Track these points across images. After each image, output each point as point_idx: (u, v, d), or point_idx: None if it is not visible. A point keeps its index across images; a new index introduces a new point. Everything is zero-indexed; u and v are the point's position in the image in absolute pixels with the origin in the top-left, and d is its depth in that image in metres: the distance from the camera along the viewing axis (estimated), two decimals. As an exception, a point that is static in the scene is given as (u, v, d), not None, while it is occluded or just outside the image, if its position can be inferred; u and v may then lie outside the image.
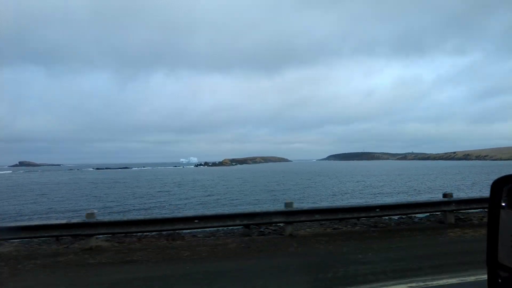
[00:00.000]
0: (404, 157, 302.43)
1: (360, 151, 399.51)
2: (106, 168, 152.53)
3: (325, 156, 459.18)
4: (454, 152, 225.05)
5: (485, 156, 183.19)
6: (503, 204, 1.30)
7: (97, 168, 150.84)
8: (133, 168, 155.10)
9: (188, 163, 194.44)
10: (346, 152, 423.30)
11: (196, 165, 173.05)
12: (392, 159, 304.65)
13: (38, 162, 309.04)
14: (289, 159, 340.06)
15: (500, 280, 1.21)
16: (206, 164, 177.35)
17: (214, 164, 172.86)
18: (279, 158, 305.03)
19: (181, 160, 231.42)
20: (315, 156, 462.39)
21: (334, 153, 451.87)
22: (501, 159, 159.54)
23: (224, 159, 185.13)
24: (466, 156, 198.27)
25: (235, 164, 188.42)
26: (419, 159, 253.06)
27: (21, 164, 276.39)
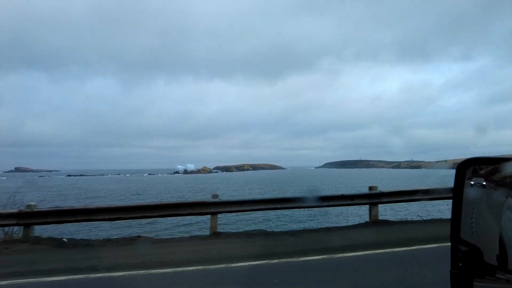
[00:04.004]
0: (398, 165, 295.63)
1: (356, 159, 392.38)
2: (81, 175, 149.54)
3: (323, 163, 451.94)
4: (445, 160, 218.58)
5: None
6: (471, 182, 1.40)
7: (69, 175, 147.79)
8: (108, 175, 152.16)
9: (185, 170, 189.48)
10: (343, 159, 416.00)
11: (174, 173, 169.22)
12: (386, 167, 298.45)
13: (34, 168, 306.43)
14: (283, 166, 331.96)
15: (460, 254, 1.31)
16: (185, 172, 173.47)
17: (193, 172, 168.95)
18: (270, 165, 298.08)
19: (178, 167, 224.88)
20: (314, 163, 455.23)
21: (331, 161, 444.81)
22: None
23: (204, 167, 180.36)
24: (455, 165, 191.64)
25: (217, 172, 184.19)
26: (411, 167, 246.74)
27: (17, 170, 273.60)
